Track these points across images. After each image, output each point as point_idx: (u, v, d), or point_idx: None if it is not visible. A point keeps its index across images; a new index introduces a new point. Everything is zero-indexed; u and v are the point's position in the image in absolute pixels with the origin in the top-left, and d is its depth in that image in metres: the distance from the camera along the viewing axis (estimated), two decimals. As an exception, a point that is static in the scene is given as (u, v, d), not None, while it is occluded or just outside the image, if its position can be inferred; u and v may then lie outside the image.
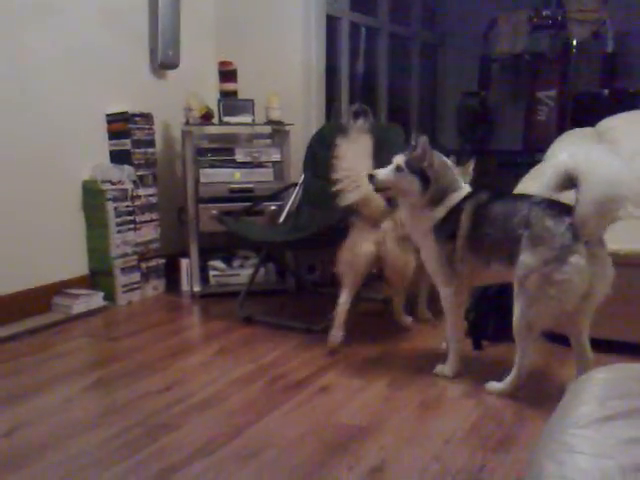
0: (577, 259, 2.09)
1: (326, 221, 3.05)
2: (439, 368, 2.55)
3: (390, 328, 3.13)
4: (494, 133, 6.76)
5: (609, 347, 2.52)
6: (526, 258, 2.17)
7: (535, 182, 2.81)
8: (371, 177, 2.47)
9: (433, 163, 2.37)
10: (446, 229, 2.37)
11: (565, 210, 2.14)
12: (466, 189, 2.43)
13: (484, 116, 6.69)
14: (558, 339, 2.75)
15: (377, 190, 2.53)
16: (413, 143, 2.41)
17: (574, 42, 5.56)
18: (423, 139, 2.36)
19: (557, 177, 2.10)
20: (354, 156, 2.73)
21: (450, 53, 6.89)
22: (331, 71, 4.65)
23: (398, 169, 2.40)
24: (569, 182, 2.08)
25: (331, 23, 4.66)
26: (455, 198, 2.39)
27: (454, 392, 2.40)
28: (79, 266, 3.52)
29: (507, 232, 2.24)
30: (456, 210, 2.37)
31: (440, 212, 2.38)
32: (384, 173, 2.43)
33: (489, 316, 2.81)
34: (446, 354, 2.56)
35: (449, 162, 2.45)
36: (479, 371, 2.57)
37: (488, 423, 2.14)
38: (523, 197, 2.33)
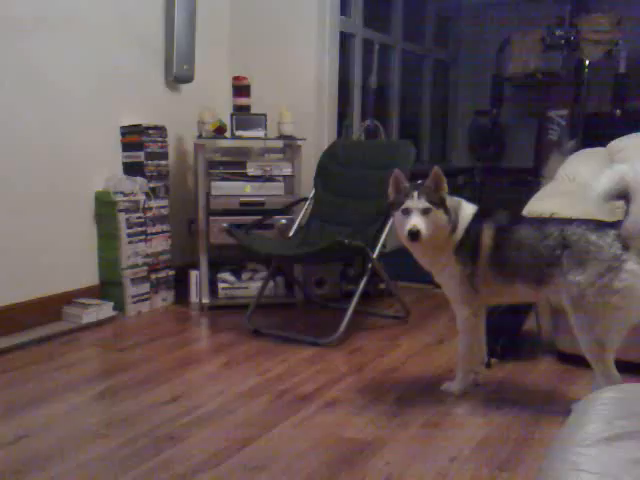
0: (632, 265, 2.08)
1: (336, 236, 3.06)
2: (446, 385, 2.54)
3: (398, 344, 3.12)
4: (505, 151, 6.77)
5: (617, 367, 2.50)
6: (576, 277, 2.14)
7: (545, 201, 2.82)
8: (416, 234, 2.24)
9: (446, 190, 2.31)
10: (466, 250, 2.33)
11: (603, 223, 2.16)
12: (468, 206, 2.39)
13: (495, 134, 6.70)
14: (566, 358, 2.75)
15: (419, 244, 2.29)
16: (406, 185, 2.31)
17: (587, 62, 5.57)
18: (436, 169, 2.28)
19: (612, 186, 2.10)
20: None
21: (462, 71, 6.93)
22: (343, 87, 4.69)
23: (425, 212, 2.24)
24: (622, 192, 2.08)
25: (344, 39, 4.70)
26: (466, 217, 2.35)
27: (461, 410, 2.39)
28: (90, 276, 3.54)
29: (537, 254, 2.23)
30: (473, 230, 2.33)
31: (458, 235, 2.34)
32: (421, 224, 2.23)
33: (498, 334, 2.80)
34: (454, 372, 2.55)
35: None
36: (487, 389, 2.56)
37: (495, 441, 2.13)
38: (547, 220, 2.33)
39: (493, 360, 2.78)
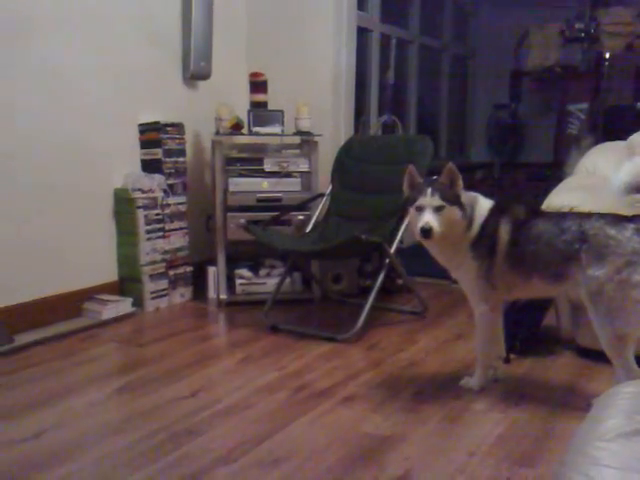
0: None
1: (353, 232, 3.05)
2: (465, 380, 2.53)
3: (416, 340, 3.12)
4: (524, 146, 6.72)
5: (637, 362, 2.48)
6: (595, 271, 2.12)
7: (564, 195, 2.79)
8: (428, 233, 2.23)
9: (461, 186, 2.28)
10: (483, 245, 2.32)
11: (622, 217, 2.13)
12: (485, 202, 2.36)
13: (514, 129, 6.66)
14: (586, 354, 2.72)
15: (434, 241, 2.29)
16: (421, 180, 2.29)
17: (607, 55, 5.51)
18: (450, 166, 2.25)
19: (631, 180, 2.08)
20: None
21: (481, 65, 6.89)
22: (361, 82, 4.68)
23: (439, 209, 2.23)
24: None
25: (362, 35, 4.69)
26: (481, 213, 2.33)
27: (480, 405, 2.38)
28: (109, 272, 3.57)
29: (555, 249, 2.20)
30: (489, 226, 2.32)
31: (473, 231, 2.32)
32: (434, 222, 2.22)
33: (516, 329, 2.79)
34: (474, 367, 2.54)
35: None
36: (506, 384, 2.55)
37: (514, 436, 2.12)
38: (565, 214, 2.29)
39: (512, 355, 2.76)
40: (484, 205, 2.36)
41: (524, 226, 2.30)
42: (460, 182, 2.28)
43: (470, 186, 2.39)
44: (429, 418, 2.26)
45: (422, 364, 2.81)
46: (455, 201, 2.26)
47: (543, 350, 2.90)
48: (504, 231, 2.30)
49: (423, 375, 2.68)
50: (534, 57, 6.20)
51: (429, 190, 2.23)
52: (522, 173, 6.48)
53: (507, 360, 2.72)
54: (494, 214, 2.34)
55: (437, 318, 3.46)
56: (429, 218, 2.22)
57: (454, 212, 2.25)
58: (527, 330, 2.88)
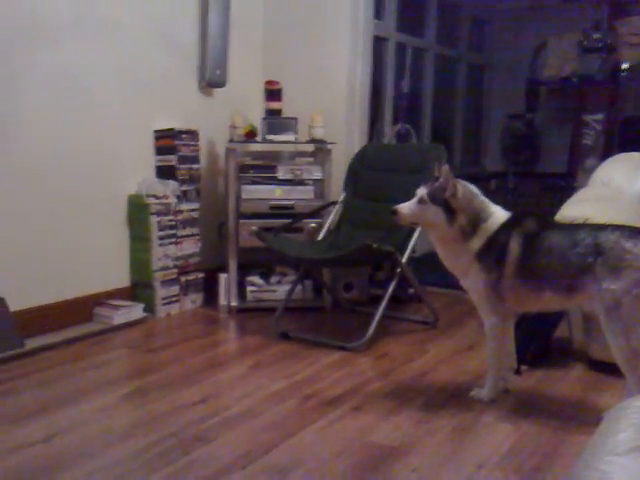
0: None
1: (364, 240, 3.05)
2: (476, 392, 2.51)
3: (426, 350, 3.10)
4: (539, 156, 6.68)
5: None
6: (610, 285, 2.10)
7: (578, 206, 2.77)
8: (394, 212, 2.40)
9: (456, 193, 2.30)
10: (492, 257, 2.31)
11: (638, 230, 2.12)
12: (501, 215, 2.36)
13: (529, 139, 6.63)
14: (598, 366, 2.69)
15: (402, 224, 2.49)
16: (436, 174, 2.36)
17: (623, 66, 5.48)
18: (444, 169, 2.30)
19: None
20: None
21: (496, 75, 6.87)
22: (375, 91, 4.68)
23: (421, 201, 2.34)
24: None
25: (377, 43, 4.69)
26: (491, 226, 2.32)
27: (490, 417, 2.36)
28: (121, 278, 3.59)
29: (569, 261, 2.19)
30: (499, 238, 2.31)
31: (476, 243, 2.32)
32: (407, 207, 2.37)
33: (527, 341, 2.76)
34: (484, 378, 2.52)
35: (475, 190, 2.38)
36: (516, 396, 2.52)
37: (524, 449, 2.09)
38: (578, 226, 2.26)
39: (523, 367, 2.74)
40: (498, 216, 2.35)
41: (536, 238, 2.28)
42: (451, 187, 2.29)
43: (484, 195, 2.40)
44: (438, 429, 2.24)
45: (432, 374, 2.79)
46: (439, 202, 2.31)
47: (555, 362, 2.88)
48: (514, 242, 2.28)
49: (433, 385, 2.67)
50: (551, 67, 6.17)
51: (422, 185, 2.38)
52: (537, 183, 6.44)
53: (518, 372, 2.69)
54: (505, 225, 2.33)
55: (448, 328, 3.44)
56: (405, 204, 2.38)
57: (433, 210, 2.32)
58: (539, 342, 2.86)
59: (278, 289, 3.78)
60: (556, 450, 2.09)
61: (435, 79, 5.95)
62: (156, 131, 3.70)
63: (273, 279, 3.85)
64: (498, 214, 2.36)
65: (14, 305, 2.99)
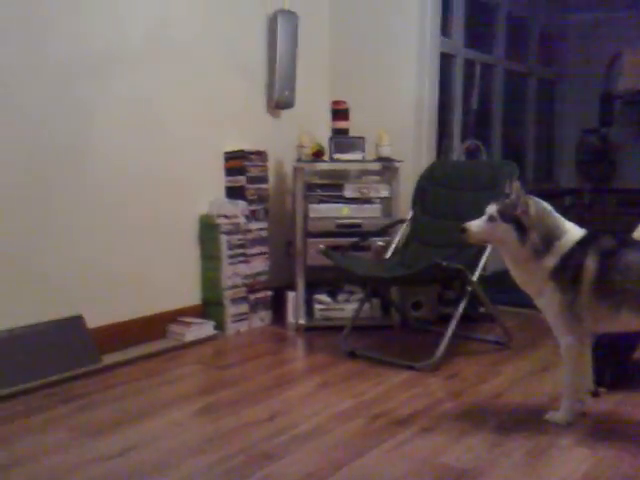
0: None
1: (434, 259, 3.01)
2: (551, 414, 2.43)
3: (499, 370, 3.02)
4: (616, 171, 6.47)
5: None
6: None
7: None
8: (464, 230, 2.37)
9: (528, 210, 2.26)
10: (567, 276, 2.25)
11: None
12: (576, 232, 2.30)
13: (605, 154, 6.42)
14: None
15: (471, 242, 2.46)
16: (507, 191, 2.32)
17: None
18: (516, 185, 2.26)
19: None
20: None
21: (568, 88, 6.70)
22: (444, 107, 4.64)
23: (491, 219, 2.32)
24: None
25: (445, 60, 4.67)
26: (565, 244, 2.26)
27: (566, 440, 2.27)
28: (193, 296, 3.67)
29: None
30: (574, 255, 2.25)
31: (550, 261, 2.26)
32: (477, 225, 2.35)
33: (606, 363, 2.66)
34: (560, 400, 2.43)
35: (548, 207, 2.33)
36: (594, 419, 2.43)
37: (601, 474, 2.01)
38: None
39: (601, 389, 2.63)
40: (573, 234, 2.29)
41: (613, 255, 2.20)
42: (522, 204, 2.25)
43: (558, 212, 2.35)
44: (512, 452, 2.18)
45: (505, 396, 2.72)
46: (510, 219, 2.27)
47: (635, 385, 2.75)
48: (591, 261, 2.21)
49: (506, 407, 2.60)
50: (626, 79, 5.99)
51: (493, 202, 2.34)
52: (613, 199, 6.23)
53: (596, 394, 2.59)
54: (580, 243, 2.26)
55: (522, 349, 3.34)
56: (475, 222, 2.35)
57: (503, 228, 2.29)
58: (617, 363, 2.74)
59: (346, 307, 3.77)
60: (636, 476, 2.00)
61: (505, 94, 5.86)
62: (226, 152, 3.78)
63: (341, 297, 3.85)
64: (572, 231, 2.30)
65: (91, 322, 3.10)
